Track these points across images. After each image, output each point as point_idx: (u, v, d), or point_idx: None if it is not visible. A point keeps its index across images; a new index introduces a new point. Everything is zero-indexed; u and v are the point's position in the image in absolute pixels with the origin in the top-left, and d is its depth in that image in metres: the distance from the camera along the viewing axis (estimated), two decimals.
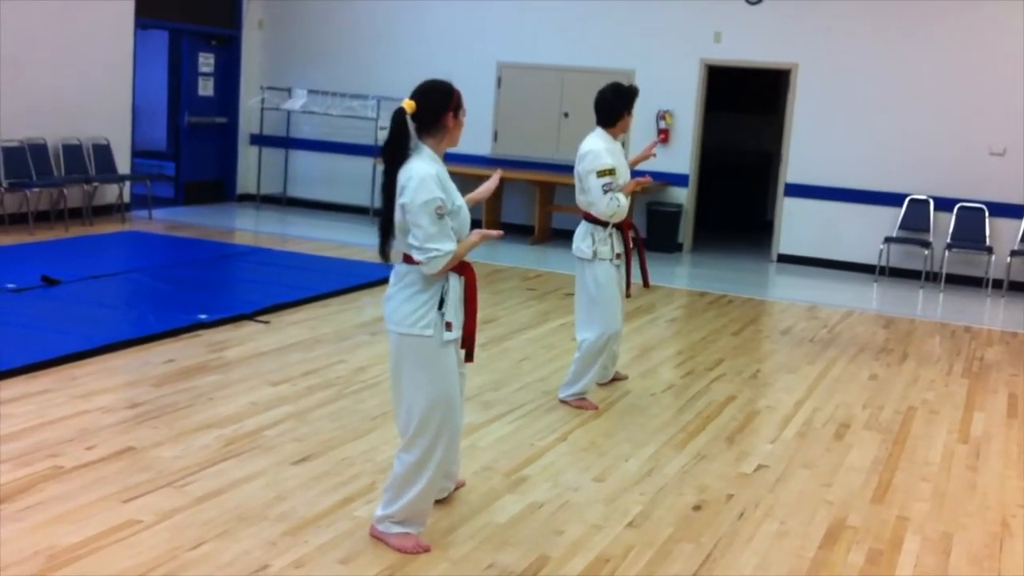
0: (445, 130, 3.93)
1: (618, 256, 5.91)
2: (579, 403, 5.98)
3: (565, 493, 4.69)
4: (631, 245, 6.02)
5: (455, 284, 3.92)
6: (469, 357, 4.08)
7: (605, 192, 5.69)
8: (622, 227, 5.94)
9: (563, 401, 6.01)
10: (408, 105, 3.85)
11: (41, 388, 5.66)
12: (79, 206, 11.35)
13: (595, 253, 5.82)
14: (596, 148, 5.73)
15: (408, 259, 3.89)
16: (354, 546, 4.01)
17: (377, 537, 4.05)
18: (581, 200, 5.84)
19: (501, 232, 4.00)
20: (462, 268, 3.94)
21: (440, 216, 3.74)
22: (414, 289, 3.89)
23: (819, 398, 6.53)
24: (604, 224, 5.82)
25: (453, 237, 3.81)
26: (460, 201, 3.91)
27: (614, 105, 5.80)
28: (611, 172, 5.69)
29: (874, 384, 6.97)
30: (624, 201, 5.77)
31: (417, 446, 3.93)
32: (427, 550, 3.98)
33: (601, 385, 6.38)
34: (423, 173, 3.77)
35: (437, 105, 3.88)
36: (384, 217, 3.88)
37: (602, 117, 5.82)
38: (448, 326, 3.88)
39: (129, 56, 12.13)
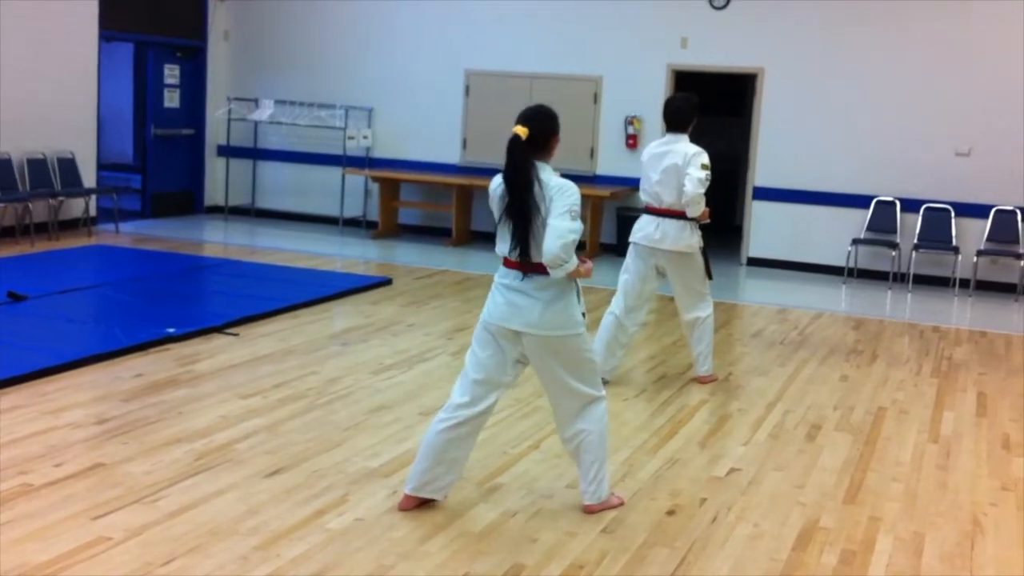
0: (552, 149, 4.38)
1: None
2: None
3: (539, 501, 4.68)
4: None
5: None
6: None
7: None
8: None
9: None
10: (521, 131, 4.30)
11: (10, 405, 5.60)
12: (45, 220, 11.25)
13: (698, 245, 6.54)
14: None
15: (538, 268, 4.24)
16: (327, 559, 3.99)
17: (599, 510, 4.54)
18: (676, 198, 6.38)
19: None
20: None
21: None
22: (558, 295, 4.30)
23: (790, 400, 6.57)
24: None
25: None
26: None
27: (690, 113, 6.44)
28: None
29: (845, 385, 7.01)
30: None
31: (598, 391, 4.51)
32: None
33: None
34: (570, 183, 4.26)
35: (548, 129, 4.37)
36: (523, 231, 4.20)
37: (677, 123, 6.45)
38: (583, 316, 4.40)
39: (94, 68, 12.04)
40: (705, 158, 6.31)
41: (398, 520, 4.39)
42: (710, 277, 6.76)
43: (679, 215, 6.41)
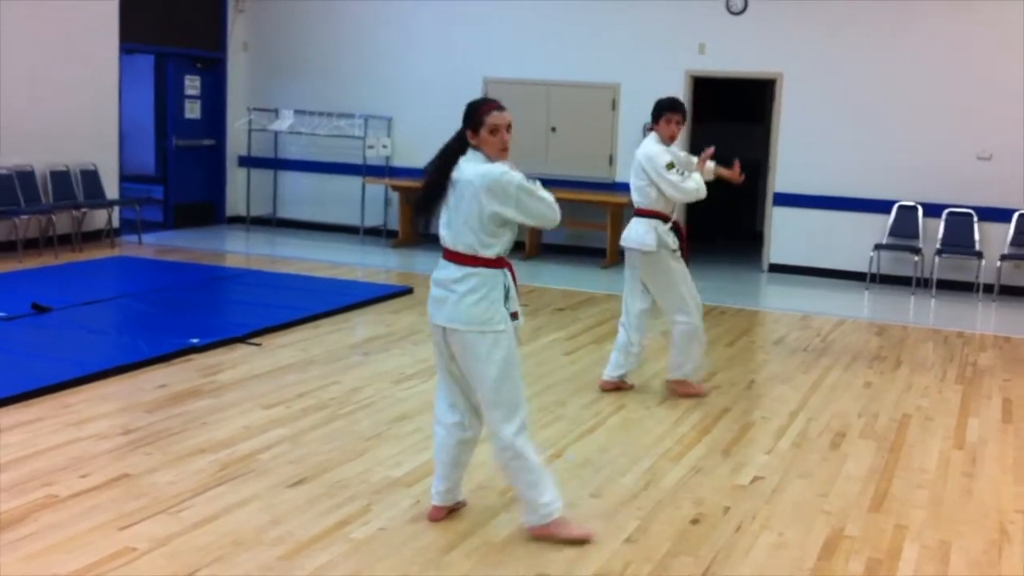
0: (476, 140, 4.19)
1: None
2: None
3: (562, 509, 4.66)
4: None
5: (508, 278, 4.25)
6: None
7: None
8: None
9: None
10: None
11: (34, 416, 5.64)
12: (68, 232, 11.33)
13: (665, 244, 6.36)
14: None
15: (455, 258, 4.17)
16: (351, 568, 3.99)
17: (547, 536, 4.29)
18: (640, 198, 6.36)
19: None
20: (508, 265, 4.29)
21: None
22: (475, 288, 4.15)
23: (814, 408, 6.53)
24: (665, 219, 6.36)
25: None
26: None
27: (654, 111, 6.40)
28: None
29: (868, 392, 6.97)
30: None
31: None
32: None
33: (609, 389, 6.59)
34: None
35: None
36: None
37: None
38: (514, 316, 4.24)
39: (115, 81, 12.13)
40: (663, 158, 6.19)
41: (421, 529, 4.39)
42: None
43: (646, 214, 6.33)
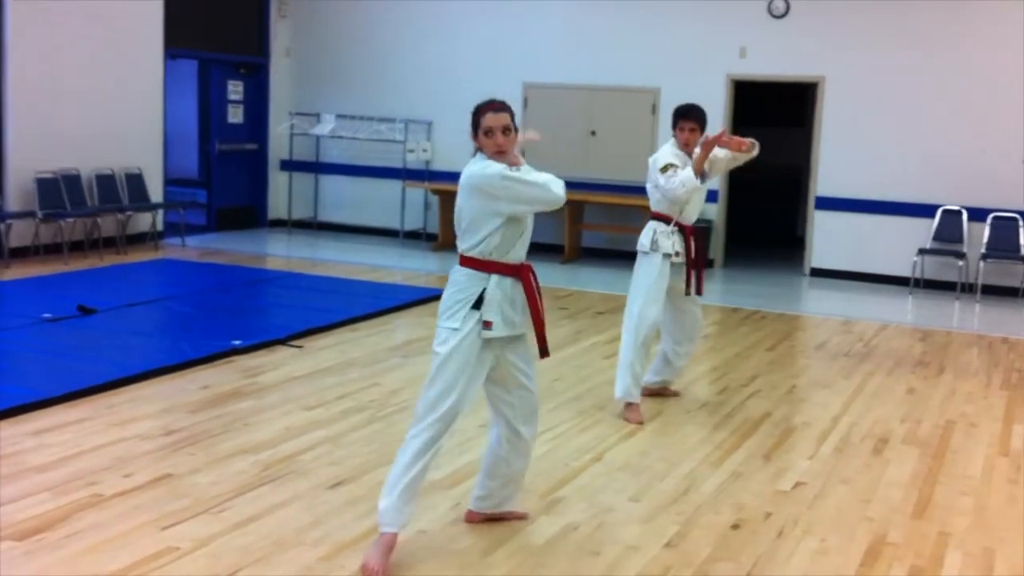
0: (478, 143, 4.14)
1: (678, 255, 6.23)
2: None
3: (601, 514, 4.66)
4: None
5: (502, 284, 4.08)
6: (544, 353, 4.24)
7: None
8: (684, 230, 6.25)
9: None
10: None
11: (78, 417, 5.71)
12: (113, 235, 11.48)
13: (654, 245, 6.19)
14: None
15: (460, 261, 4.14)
16: (390, 570, 4.00)
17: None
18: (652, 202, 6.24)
19: None
20: (517, 270, 4.13)
21: None
22: (450, 291, 4.13)
23: (856, 413, 6.47)
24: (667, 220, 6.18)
25: None
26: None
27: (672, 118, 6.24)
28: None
29: (911, 398, 6.90)
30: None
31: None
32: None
33: (648, 395, 6.45)
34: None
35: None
36: None
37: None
38: (487, 324, 4.03)
39: (159, 86, 12.28)
40: (663, 160, 6.02)
41: (461, 532, 4.40)
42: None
43: (652, 216, 6.23)
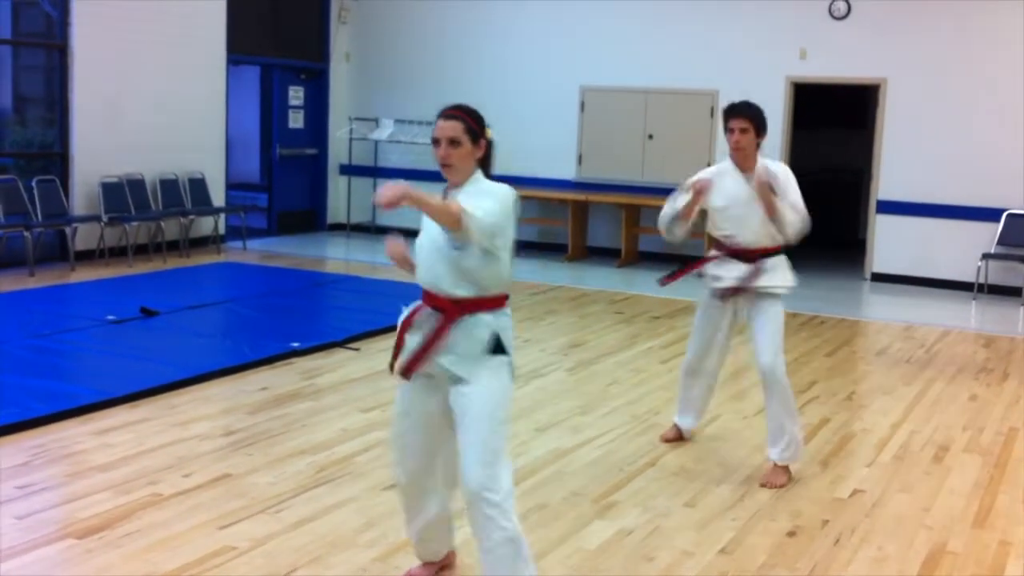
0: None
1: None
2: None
3: (655, 519, 4.64)
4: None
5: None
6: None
7: None
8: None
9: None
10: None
11: (140, 417, 5.82)
12: (176, 238, 11.67)
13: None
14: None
15: None
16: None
17: None
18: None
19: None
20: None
21: None
22: None
23: (917, 420, 6.37)
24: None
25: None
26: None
27: None
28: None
29: (974, 405, 6.78)
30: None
31: None
32: None
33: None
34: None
35: None
36: None
37: None
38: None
39: (222, 92, 12.46)
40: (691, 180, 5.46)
41: None
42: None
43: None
